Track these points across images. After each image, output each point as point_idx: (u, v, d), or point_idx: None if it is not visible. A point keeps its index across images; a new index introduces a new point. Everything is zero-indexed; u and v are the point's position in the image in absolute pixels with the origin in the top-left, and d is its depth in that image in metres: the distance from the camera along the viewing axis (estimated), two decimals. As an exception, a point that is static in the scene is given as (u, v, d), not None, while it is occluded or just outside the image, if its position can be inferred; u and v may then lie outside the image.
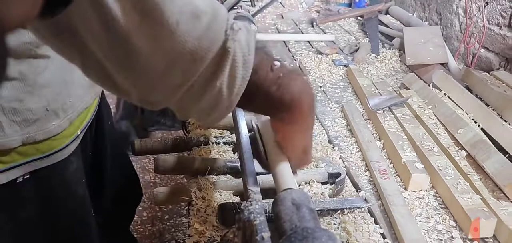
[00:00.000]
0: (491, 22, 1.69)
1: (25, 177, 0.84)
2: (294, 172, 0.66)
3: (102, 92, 1.06)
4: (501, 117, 1.25)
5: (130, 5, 0.44)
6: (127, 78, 0.50)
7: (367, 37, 2.12)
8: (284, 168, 0.65)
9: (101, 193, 1.13)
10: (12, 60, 0.74)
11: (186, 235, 0.94)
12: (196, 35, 0.48)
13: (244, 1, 2.23)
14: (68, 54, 0.50)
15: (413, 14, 2.25)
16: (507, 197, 0.96)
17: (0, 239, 0.88)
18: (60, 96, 0.83)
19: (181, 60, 0.49)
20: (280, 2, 2.76)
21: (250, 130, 0.82)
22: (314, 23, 2.34)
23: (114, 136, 1.19)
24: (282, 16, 2.51)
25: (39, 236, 0.93)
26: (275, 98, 0.57)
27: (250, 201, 0.62)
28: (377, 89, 1.48)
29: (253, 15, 2.03)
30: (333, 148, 1.17)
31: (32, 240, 0.93)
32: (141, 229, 2.22)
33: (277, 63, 0.57)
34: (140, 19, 0.45)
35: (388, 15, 2.35)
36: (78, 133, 0.92)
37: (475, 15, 1.78)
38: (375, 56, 1.90)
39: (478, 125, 1.22)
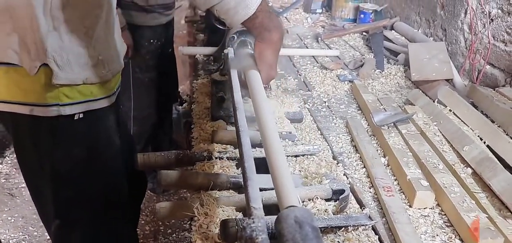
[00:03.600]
0: (496, 38, 1.69)
1: (80, 115, 1.05)
2: (264, 82, 1.01)
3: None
4: (507, 134, 1.24)
5: None
6: None
7: (372, 52, 2.12)
8: (287, 184, 0.65)
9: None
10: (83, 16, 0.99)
11: (188, 251, 0.93)
12: None
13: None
14: None
15: (418, 30, 2.25)
16: (514, 216, 0.94)
17: (49, 181, 1.10)
18: (105, 51, 1.06)
19: None
20: (285, 17, 2.77)
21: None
22: (319, 38, 2.34)
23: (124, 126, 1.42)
24: (287, 31, 2.52)
25: (84, 177, 1.13)
26: (265, 24, 0.97)
27: (253, 218, 0.61)
28: (382, 105, 1.47)
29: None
30: (337, 164, 1.16)
31: (78, 179, 1.12)
32: (144, 243, 2.21)
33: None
34: None
35: (393, 31, 2.35)
36: (115, 90, 1.15)
37: (480, 31, 1.77)
38: (380, 72, 1.90)
39: (484, 142, 1.21)
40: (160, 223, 2.40)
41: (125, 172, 1.27)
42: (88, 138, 1.10)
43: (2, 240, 2.30)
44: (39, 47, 0.94)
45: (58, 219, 1.16)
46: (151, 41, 2.24)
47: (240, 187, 0.98)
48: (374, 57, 2.05)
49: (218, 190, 0.98)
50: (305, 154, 1.16)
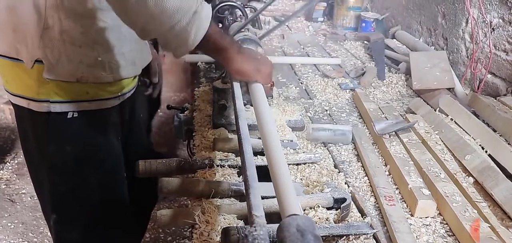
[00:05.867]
0: (497, 47, 1.69)
1: (74, 114, 1.08)
2: (266, 92, 1.04)
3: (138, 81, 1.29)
4: (508, 144, 1.24)
5: None
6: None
7: (373, 61, 2.12)
8: (289, 193, 0.64)
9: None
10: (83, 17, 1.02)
11: (189, 258, 0.92)
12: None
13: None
14: None
15: (419, 39, 2.26)
16: (516, 226, 0.94)
17: (47, 174, 1.14)
18: (108, 54, 1.07)
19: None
20: (287, 26, 2.78)
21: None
22: (321, 44, 2.34)
23: (139, 128, 1.44)
24: (285, 38, 2.52)
25: (78, 174, 1.15)
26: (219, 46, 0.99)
27: (255, 226, 0.61)
28: (383, 114, 1.47)
29: (260, 38, 2.04)
30: (338, 172, 1.16)
31: (73, 176, 1.15)
32: (144, 251, 2.20)
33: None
34: None
35: (394, 40, 2.35)
36: (119, 94, 1.15)
37: (481, 40, 1.78)
38: (381, 80, 1.90)
39: (486, 151, 1.21)
40: (161, 230, 2.40)
41: (131, 177, 1.26)
42: (83, 137, 1.13)
43: (2, 247, 2.29)
44: (34, 42, 0.99)
45: (55, 214, 1.19)
46: None
47: (242, 195, 0.98)
48: (375, 65, 2.05)
49: (219, 198, 0.97)
50: (306, 162, 1.16)
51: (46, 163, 1.14)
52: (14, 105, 1.12)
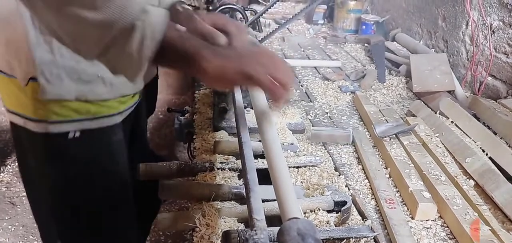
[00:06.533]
0: (498, 50, 1.69)
1: (76, 135, 0.98)
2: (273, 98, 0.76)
3: (142, 94, 1.19)
4: (509, 146, 1.24)
5: None
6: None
7: (374, 63, 2.12)
8: (289, 196, 0.64)
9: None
10: None
11: (190, 262, 0.92)
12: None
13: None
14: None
15: (419, 41, 2.26)
16: (517, 229, 0.94)
17: (47, 195, 1.05)
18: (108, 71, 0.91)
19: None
20: (287, 28, 2.78)
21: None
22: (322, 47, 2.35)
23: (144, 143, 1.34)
24: (286, 41, 2.52)
25: (81, 197, 1.06)
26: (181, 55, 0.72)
27: (255, 230, 0.61)
28: (384, 116, 1.47)
29: (261, 41, 2.04)
30: (339, 175, 1.16)
31: (75, 198, 1.06)
32: (145, 254, 2.20)
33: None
34: None
35: (394, 42, 2.36)
36: (122, 110, 1.06)
37: (481, 43, 1.78)
38: (381, 83, 1.90)
39: (486, 154, 1.21)
40: (161, 234, 2.39)
41: (134, 186, 1.19)
42: (86, 158, 1.03)
43: (3, 249, 2.29)
44: (28, 59, 0.90)
45: (59, 239, 1.11)
46: None
47: (242, 198, 0.98)
48: (375, 68, 2.05)
49: (220, 201, 0.98)
50: (307, 165, 1.16)
51: (47, 184, 1.06)
52: (10, 123, 1.03)
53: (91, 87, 0.96)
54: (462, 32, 1.91)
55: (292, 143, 1.25)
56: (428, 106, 1.57)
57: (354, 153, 1.31)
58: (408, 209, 1.05)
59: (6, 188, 2.75)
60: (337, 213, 0.98)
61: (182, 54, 0.72)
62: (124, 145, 1.13)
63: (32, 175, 1.09)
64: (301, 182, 1.10)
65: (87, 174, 1.05)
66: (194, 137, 1.31)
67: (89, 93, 0.96)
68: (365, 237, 0.91)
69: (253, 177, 0.75)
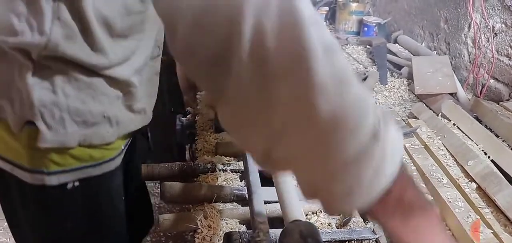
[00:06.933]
0: (500, 52, 1.69)
1: (75, 184, 0.83)
2: None
3: None
4: (511, 149, 1.23)
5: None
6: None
7: (376, 65, 2.12)
8: (291, 198, 0.64)
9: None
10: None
11: (191, 263, 0.92)
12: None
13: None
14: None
15: (421, 44, 2.26)
16: (519, 232, 0.94)
17: None
18: (113, 106, 0.83)
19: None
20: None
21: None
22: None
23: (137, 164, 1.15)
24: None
25: None
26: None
27: (257, 232, 0.61)
28: (386, 118, 1.47)
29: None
30: (341, 177, 1.15)
31: None
32: (146, 255, 2.20)
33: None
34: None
35: (396, 44, 2.35)
36: (123, 147, 0.91)
37: (484, 45, 1.78)
38: (383, 85, 1.90)
39: (488, 157, 1.21)
40: (162, 234, 2.39)
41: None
42: (85, 210, 0.89)
43: (4, 250, 2.29)
44: (24, 99, 0.73)
45: None
46: None
47: (244, 200, 0.98)
48: (377, 70, 2.05)
49: (221, 202, 0.97)
50: (308, 167, 1.16)
51: (39, 237, 0.92)
52: None
53: (95, 129, 0.81)
54: (464, 34, 1.91)
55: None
56: (430, 109, 1.57)
57: (356, 155, 1.30)
58: (410, 212, 1.05)
59: (7, 188, 2.75)
60: (338, 215, 0.97)
61: (408, 205, 0.48)
62: (122, 188, 0.99)
63: (20, 221, 0.93)
64: (303, 184, 1.10)
65: (84, 227, 0.92)
66: (196, 138, 1.31)
67: (93, 137, 0.81)
68: (366, 239, 0.91)
69: (255, 178, 0.75)
